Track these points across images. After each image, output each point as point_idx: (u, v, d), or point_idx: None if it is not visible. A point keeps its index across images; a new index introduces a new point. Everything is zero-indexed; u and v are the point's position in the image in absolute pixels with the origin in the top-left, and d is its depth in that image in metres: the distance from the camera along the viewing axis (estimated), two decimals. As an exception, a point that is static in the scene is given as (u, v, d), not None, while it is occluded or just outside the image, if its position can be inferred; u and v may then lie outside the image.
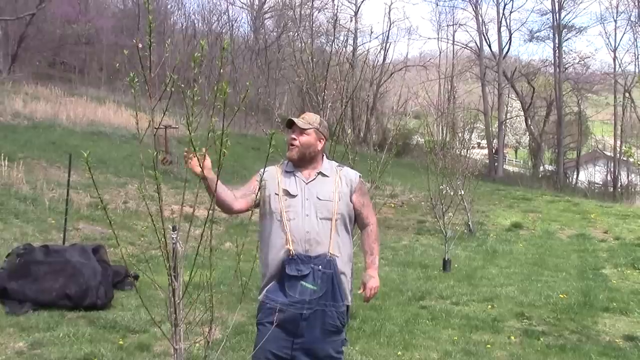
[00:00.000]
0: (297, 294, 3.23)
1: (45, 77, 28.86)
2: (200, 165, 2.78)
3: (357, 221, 3.54)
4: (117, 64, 25.91)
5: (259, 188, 3.24)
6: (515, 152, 55.98)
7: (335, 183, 3.43)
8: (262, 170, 3.24)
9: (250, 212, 3.18)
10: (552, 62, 35.38)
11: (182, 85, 2.34)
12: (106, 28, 33.88)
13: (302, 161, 3.42)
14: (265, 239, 3.36)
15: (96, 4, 39.94)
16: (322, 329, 3.27)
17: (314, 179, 3.41)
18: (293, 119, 3.40)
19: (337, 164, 3.63)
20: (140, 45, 2.25)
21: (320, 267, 3.26)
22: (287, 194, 3.34)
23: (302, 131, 3.38)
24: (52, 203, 10.22)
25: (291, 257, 3.25)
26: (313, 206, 3.32)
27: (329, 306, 3.28)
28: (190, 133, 2.43)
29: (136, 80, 2.28)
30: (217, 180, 2.84)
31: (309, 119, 3.46)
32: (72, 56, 35.00)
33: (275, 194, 3.32)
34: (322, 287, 3.25)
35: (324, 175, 3.44)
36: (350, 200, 3.45)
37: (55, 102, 21.59)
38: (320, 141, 3.46)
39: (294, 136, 3.38)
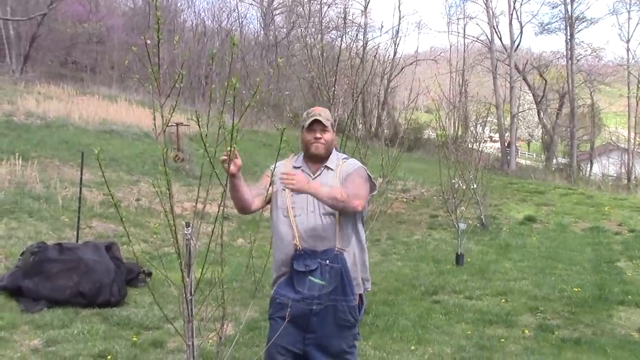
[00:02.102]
0: (305, 289, 3.23)
1: (57, 76, 29.06)
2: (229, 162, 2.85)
3: None
4: (127, 62, 26.02)
5: (270, 184, 3.23)
6: (528, 145, 55.72)
7: (338, 176, 3.41)
8: (272, 166, 3.24)
9: (262, 208, 3.20)
10: (564, 54, 35.10)
11: (192, 82, 2.33)
12: (117, 27, 34.09)
13: (326, 156, 3.43)
14: (275, 235, 3.38)
15: (107, 3, 40.18)
16: (334, 324, 3.27)
17: (319, 174, 3.41)
18: (319, 118, 3.37)
19: (344, 156, 3.61)
20: (149, 42, 2.24)
21: (327, 261, 3.25)
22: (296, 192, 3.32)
23: (324, 128, 3.39)
24: (65, 201, 10.29)
25: (298, 252, 3.25)
26: (317, 201, 3.29)
27: (339, 301, 3.26)
28: (201, 129, 2.42)
29: (141, 78, 2.28)
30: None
31: (326, 115, 3.45)
32: (84, 55, 35.25)
33: (283, 189, 3.28)
34: (330, 282, 3.24)
35: (329, 168, 3.43)
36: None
37: (67, 101, 21.72)
38: (334, 136, 3.52)
39: (319, 135, 3.37)
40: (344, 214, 3.32)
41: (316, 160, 3.42)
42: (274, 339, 3.18)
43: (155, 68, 2.26)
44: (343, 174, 3.41)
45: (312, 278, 3.24)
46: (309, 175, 3.39)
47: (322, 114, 3.44)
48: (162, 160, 2.36)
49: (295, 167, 3.42)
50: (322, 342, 3.26)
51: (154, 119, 2.38)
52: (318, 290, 3.23)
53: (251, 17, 71.64)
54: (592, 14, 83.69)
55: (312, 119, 3.38)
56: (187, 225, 2.68)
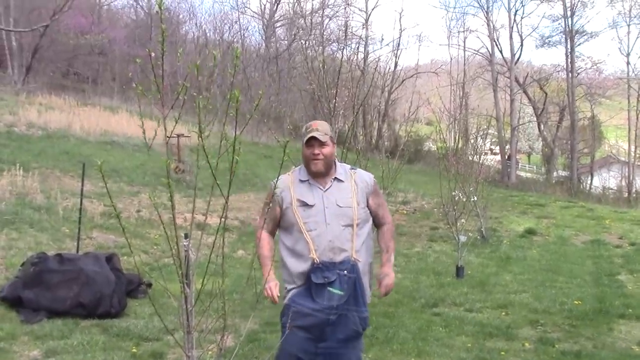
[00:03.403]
0: (325, 300, 3.25)
1: (59, 87, 29.16)
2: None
3: (374, 221, 3.58)
4: (130, 74, 26.12)
5: (277, 205, 3.36)
6: (528, 157, 55.80)
7: (352, 188, 3.45)
8: (272, 184, 3.30)
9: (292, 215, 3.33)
10: (565, 67, 35.22)
11: (195, 93, 2.35)
12: (119, 39, 34.24)
13: (326, 171, 3.44)
14: (288, 250, 3.39)
15: (109, 15, 40.42)
16: (344, 334, 3.31)
17: (330, 186, 3.43)
18: (316, 135, 3.37)
19: (349, 166, 3.65)
20: (152, 54, 2.26)
21: (345, 272, 3.29)
22: (304, 204, 3.35)
23: (322, 143, 3.38)
24: (66, 212, 10.29)
25: (316, 265, 3.27)
26: (334, 214, 3.34)
27: (351, 311, 3.31)
28: (202, 141, 2.43)
29: (145, 89, 2.29)
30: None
31: (324, 129, 3.45)
32: (86, 66, 35.39)
33: (291, 205, 3.35)
34: (347, 291, 3.28)
35: (339, 180, 3.46)
36: (367, 204, 3.49)
37: (68, 112, 21.79)
38: (334, 147, 3.52)
39: (317, 151, 3.37)
40: (360, 225, 3.40)
41: (318, 175, 3.43)
42: (287, 348, 3.23)
43: (159, 80, 2.28)
44: (361, 185, 3.49)
45: (331, 289, 3.26)
46: (319, 189, 3.41)
47: (320, 128, 3.43)
48: (166, 172, 2.37)
49: (301, 181, 3.43)
50: (333, 352, 3.30)
51: (144, 132, 2.39)
52: (337, 300, 3.26)
53: (253, 30, 72.01)
54: (592, 27, 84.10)
55: (310, 135, 3.39)
56: (186, 236, 2.69)
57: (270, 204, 3.34)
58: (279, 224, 3.46)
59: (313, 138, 3.37)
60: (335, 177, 3.45)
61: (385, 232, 3.59)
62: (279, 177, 3.35)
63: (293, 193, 3.37)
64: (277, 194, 3.34)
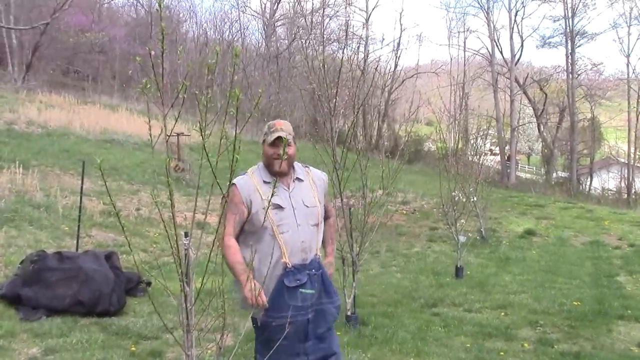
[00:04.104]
0: (299, 301, 3.26)
1: (59, 85, 29.15)
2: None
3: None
4: (130, 72, 26.15)
5: (246, 208, 3.27)
6: (528, 158, 55.80)
7: (312, 187, 3.48)
8: (236, 182, 3.26)
9: (264, 218, 3.22)
10: (565, 68, 35.23)
11: (197, 92, 2.35)
12: (119, 37, 34.22)
13: (288, 171, 3.42)
14: (259, 252, 3.25)
15: (109, 13, 40.40)
16: (324, 327, 3.38)
17: (294, 187, 3.41)
18: (281, 134, 3.28)
19: (301, 164, 3.62)
20: (153, 53, 2.26)
21: (313, 270, 3.33)
22: (277, 207, 3.27)
23: (288, 143, 3.18)
24: (65, 210, 10.29)
25: (288, 269, 3.25)
26: (303, 215, 3.33)
27: (326, 304, 3.38)
28: (203, 139, 2.43)
29: (149, 86, 2.29)
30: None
31: (288, 129, 3.38)
32: (86, 65, 35.36)
33: (263, 208, 3.22)
34: (317, 288, 3.34)
35: (300, 180, 3.46)
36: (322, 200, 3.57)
37: (68, 110, 21.78)
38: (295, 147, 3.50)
39: (280, 151, 3.25)
40: (321, 223, 3.48)
41: (282, 175, 3.37)
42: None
43: (159, 78, 2.27)
44: (319, 183, 3.54)
45: (302, 290, 3.28)
46: (285, 190, 3.37)
47: (285, 128, 3.36)
48: (165, 170, 2.37)
49: (265, 182, 3.35)
50: (319, 346, 3.35)
51: (150, 129, 2.39)
52: (309, 299, 3.31)
53: (253, 29, 72.02)
54: (593, 28, 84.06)
55: (276, 135, 3.31)
56: (186, 235, 2.68)
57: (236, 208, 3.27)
58: (243, 227, 3.34)
59: (279, 138, 3.28)
60: (297, 177, 3.44)
61: (332, 225, 3.73)
62: (241, 178, 3.31)
63: (262, 194, 3.28)
64: (245, 196, 3.25)
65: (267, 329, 3.27)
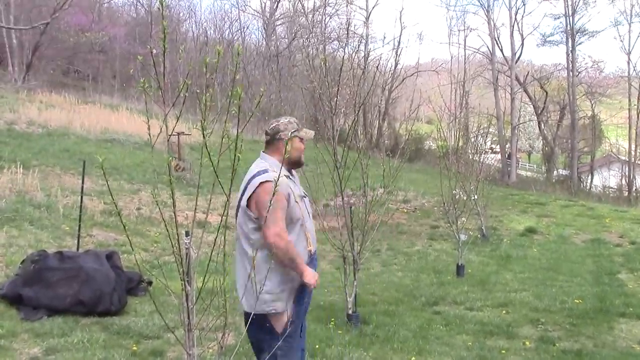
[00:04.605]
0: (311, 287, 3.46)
1: (59, 85, 29.16)
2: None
3: None
4: (131, 71, 26.15)
5: (287, 203, 3.37)
6: (529, 156, 55.74)
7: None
8: (277, 184, 3.27)
9: (299, 211, 3.40)
10: (565, 66, 35.17)
11: (198, 91, 2.35)
12: (119, 36, 34.22)
13: None
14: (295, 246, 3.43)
15: (109, 12, 40.41)
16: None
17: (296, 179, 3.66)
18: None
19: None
20: (154, 51, 2.25)
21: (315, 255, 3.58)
22: (302, 198, 3.48)
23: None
24: (66, 210, 10.28)
25: (312, 256, 3.46)
26: (309, 205, 3.58)
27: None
28: (204, 137, 2.43)
29: (147, 85, 2.29)
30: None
31: None
32: (86, 64, 35.38)
33: (296, 201, 3.40)
34: None
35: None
36: None
37: (69, 110, 21.78)
38: None
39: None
40: None
41: (297, 169, 3.66)
42: (296, 345, 3.44)
43: (160, 77, 2.27)
44: (297, 176, 3.76)
45: None
46: (295, 183, 3.58)
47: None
48: (167, 169, 2.37)
49: (288, 177, 3.49)
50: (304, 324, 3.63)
51: (149, 128, 2.39)
52: None
53: (253, 28, 72.00)
54: (593, 26, 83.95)
55: (312, 133, 3.63)
56: (187, 234, 2.68)
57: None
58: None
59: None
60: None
61: None
62: (279, 176, 3.35)
63: (293, 188, 3.44)
64: (286, 193, 3.35)
65: (299, 316, 3.45)
